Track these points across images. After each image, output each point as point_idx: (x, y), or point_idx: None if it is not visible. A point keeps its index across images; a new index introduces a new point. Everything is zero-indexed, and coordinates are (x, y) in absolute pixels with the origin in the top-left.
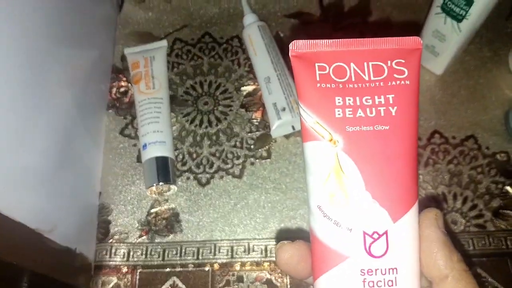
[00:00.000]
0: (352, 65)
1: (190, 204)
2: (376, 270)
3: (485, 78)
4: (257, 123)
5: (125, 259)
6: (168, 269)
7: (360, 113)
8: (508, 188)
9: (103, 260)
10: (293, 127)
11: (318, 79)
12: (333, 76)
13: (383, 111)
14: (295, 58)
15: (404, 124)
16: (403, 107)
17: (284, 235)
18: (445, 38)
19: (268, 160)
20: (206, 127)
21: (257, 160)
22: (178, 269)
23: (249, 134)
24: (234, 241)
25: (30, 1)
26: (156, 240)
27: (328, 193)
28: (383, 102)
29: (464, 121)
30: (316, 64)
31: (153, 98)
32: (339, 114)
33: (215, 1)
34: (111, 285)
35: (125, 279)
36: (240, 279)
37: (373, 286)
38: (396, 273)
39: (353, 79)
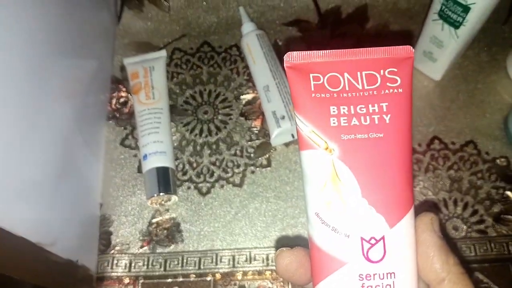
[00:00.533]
0: (346, 74)
1: (191, 213)
2: (374, 275)
3: (483, 83)
4: (256, 132)
5: (126, 270)
6: (170, 280)
7: (354, 121)
8: (508, 193)
9: (105, 271)
10: (292, 135)
11: (313, 89)
12: (327, 86)
13: (377, 119)
14: (290, 69)
15: (398, 131)
16: (396, 114)
17: (285, 244)
18: (443, 44)
19: (268, 168)
20: (206, 136)
21: (257, 169)
22: (180, 279)
23: (249, 142)
24: (236, 250)
25: (29, 13)
26: (157, 251)
27: (325, 200)
28: (377, 110)
29: (463, 126)
30: (311, 75)
31: (153, 108)
32: (334, 123)
33: (213, 10)
34: None
35: None
36: None
37: None
38: (394, 277)
39: (347, 88)
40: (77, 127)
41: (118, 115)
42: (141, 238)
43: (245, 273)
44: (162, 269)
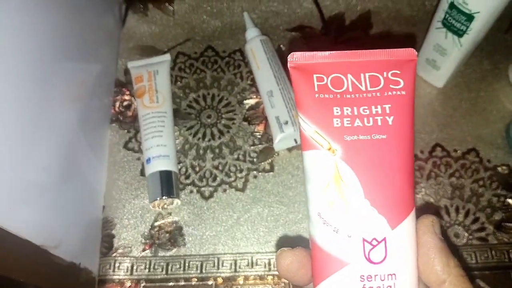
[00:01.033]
0: (349, 76)
1: (193, 217)
2: (375, 276)
3: (486, 91)
4: (259, 136)
5: (128, 273)
6: (171, 283)
7: (357, 122)
8: (509, 201)
9: (106, 274)
10: (295, 141)
11: (316, 89)
12: (331, 87)
13: (380, 121)
14: (293, 69)
15: (401, 133)
16: (399, 116)
17: (287, 245)
18: (446, 52)
19: (271, 173)
20: (209, 140)
21: (260, 173)
22: (181, 283)
23: (252, 147)
24: (238, 255)
25: (34, 16)
26: (159, 254)
27: (327, 200)
28: (380, 112)
29: (466, 134)
30: (314, 75)
31: (156, 112)
32: (337, 124)
33: (217, 15)
34: None
35: None
36: None
37: None
38: (395, 278)
39: (350, 90)
40: (81, 130)
41: (121, 118)
42: (143, 241)
43: (246, 278)
44: (164, 272)
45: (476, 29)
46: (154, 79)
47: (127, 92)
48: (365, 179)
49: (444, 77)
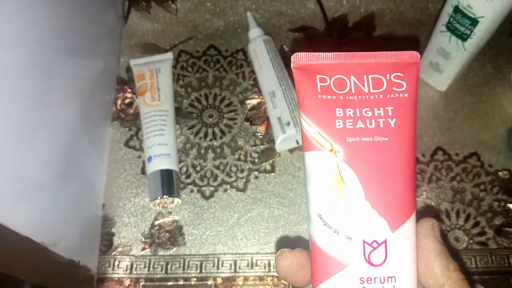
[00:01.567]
0: (352, 77)
1: (193, 217)
2: (375, 278)
3: (488, 95)
4: (261, 137)
5: (128, 271)
6: (171, 283)
7: (360, 124)
8: (510, 206)
9: (106, 272)
10: (297, 142)
11: (319, 90)
12: (333, 88)
13: (382, 123)
14: (296, 70)
15: (403, 135)
16: (401, 119)
17: (287, 246)
18: (450, 56)
19: (272, 174)
20: (210, 140)
21: (261, 174)
22: (181, 282)
23: (253, 147)
24: (238, 255)
25: (36, 13)
26: (159, 253)
27: (328, 202)
28: (382, 114)
29: (467, 138)
30: (317, 76)
31: (158, 111)
32: (339, 125)
33: (220, 14)
34: None
35: None
36: None
37: None
38: (395, 281)
39: (353, 91)
40: (82, 127)
41: (123, 116)
42: (143, 240)
43: (246, 279)
44: (163, 271)
45: (480, 34)
46: (156, 77)
47: (129, 90)
48: (366, 181)
49: (447, 81)
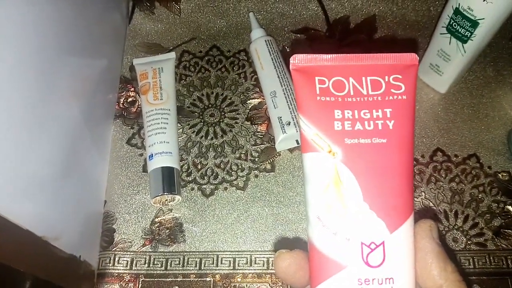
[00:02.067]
0: (351, 79)
1: (193, 214)
2: (373, 279)
3: (488, 97)
4: (262, 136)
5: (128, 267)
6: (170, 279)
7: (358, 126)
8: (509, 207)
9: (106, 268)
10: (297, 141)
11: (318, 92)
12: (332, 90)
13: (380, 125)
14: (295, 71)
15: (401, 137)
16: (400, 121)
17: (285, 246)
18: (450, 58)
19: (272, 173)
20: (211, 139)
21: (261, 173)
22: (180, 278)
23: (254, 146)
24: (236, 253)
25: (40, 12)
26: (159, 250)
27: (326, 203)
28: (380, 116)
29: (467, 139)
30: (316, 78)
31: (160, 109)
32: (338, 127)
33: (223, 15)
34: None
35: (128, 287)
36: None
37: None
38: (393, 283)
39: (351, 93)
40: (85, 125)
41: (125, 114)
42: (143, 236)
43: (245, 276)
44: (163, 268)
45: (481, 36)
46: (158, 77)
47: (132, 89)
48: (364, 182)
49: (447, 83)
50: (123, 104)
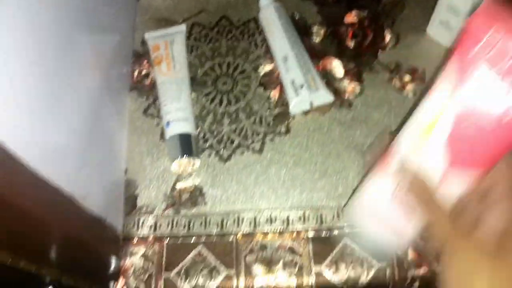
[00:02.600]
0: None
1: (212, 178)
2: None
3: None
4: (275, 101)
5: (152, 230)
6: (193, 239)
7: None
8: None
9: (131, 231)
10: (311, 104)
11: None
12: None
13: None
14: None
15: None
16: None
17: (306, 206)
18: (460, 13)
19: (287, 136)
20: (226, 106)
21: (276, 136)
22: (203, 239)
23: (268, 111)
24: (257, 212)
25: None
26: (181, 212)
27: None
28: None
29: None
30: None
31: (174, 79)
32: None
33: None
34: (139, 254)
35: (153, 249)
36: (263, 247)
37: None
38: None
39: None
40: (102, 97)
41: (140, 86)
42: (165, 201)
43: (266, 234)
44: (186, 230)
45: None
46: (170, 48)
47: (144, 62)
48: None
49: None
50: (137, 77)
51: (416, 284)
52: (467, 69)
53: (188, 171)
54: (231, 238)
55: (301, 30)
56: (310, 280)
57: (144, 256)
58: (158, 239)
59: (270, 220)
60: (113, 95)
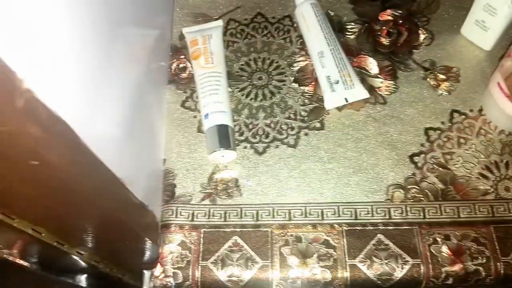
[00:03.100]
0: None
1: (248, 171)
2: None
3: None
4: (309, 97)
5: (189, 219)
6: (229, 229)
7: None
8: None
9: (169, 219)
10: (346, 100)
11: None
12: None
13: None
14: None
15: None
16: None
17: (340, 200)
18: (496, 12)
19: (322, 131)
20: (261, 100)
21: (311, 131)
22: (238, 229)
23: (302, 106)
24: (291, 205)
25: None
26: (217, 203)
27: None
28: None
29: None
30: None
31: (212, 72)
32: None
33: None
34: (177, 242)
35: (190, 237)
36: (298, 240)
37: None
38: None
39: None
40: (143, 89)
41: (178, 79)
42: (202, 191)
43: (300, 226)
44: (222, 220)
45: None
46: (208, 43)
47: (182, 56)
48: None
49: (493, 39)
50: (175, 70)
51: (450, 281)
52: None
53: (224, 162)
54: (266, 229)
55: (336, 27)
56: (345, 273)
57: (181, 244)
58: (195, 228)
59: (305, 213)
60: (153, 87)
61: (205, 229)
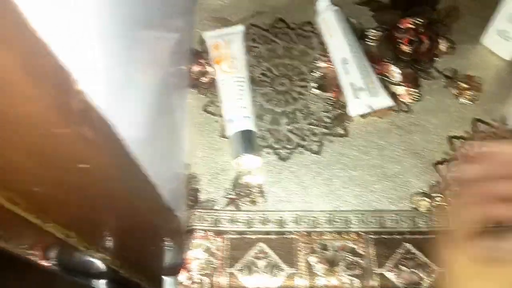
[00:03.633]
0: None
1: (272, 176)
2: None
3: None
4: (332, 103)
5: (213, 225)
6: (254, 236)
7: None
8: None
9: (193, 225)
10: (370, 107)
11: None
12: None
13: None
14: None
15: None
16: None
17: (365, 208)
18: None
19: (346, 138)
20: (283, 106)
21: (334, 138)
22: (263, 236)
23: (325, 113)
24: (316, 212)
25: None
26: (241, 209)
27: None
28: None
29: None
30: None
31: (235, 77)
32: None
33: None
34: (203, 248)
35: (215, 243)
36: (324, 247)
37: None
38: None
39: None
40: (165, 93)
41: (199, 84)
42: (226, 196)
43: (326, 234)
44: (246, 226)
45: None
46: (230, 47)
47: (203, 60)
48: None
49: None
50: (196, 74)
51: None
52: None
53: (248, 168)
54: (291, 236)
55: (357, 34)
56: (374, 282)
57: (207, 250)
58: (219, 233)
59: (330, 221)
60: (175, 91)
61: (229, 235)
